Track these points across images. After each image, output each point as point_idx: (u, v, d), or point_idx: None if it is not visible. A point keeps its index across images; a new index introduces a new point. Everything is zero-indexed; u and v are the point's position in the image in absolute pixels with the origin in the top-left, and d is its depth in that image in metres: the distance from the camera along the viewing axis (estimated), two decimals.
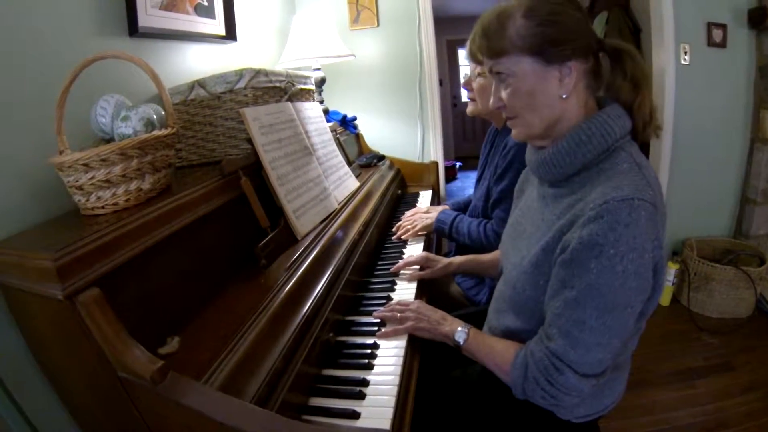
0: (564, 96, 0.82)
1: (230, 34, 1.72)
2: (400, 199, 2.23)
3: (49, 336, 0.82)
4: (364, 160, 2.16)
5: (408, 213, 1.84)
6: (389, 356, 1.04)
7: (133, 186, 0.91)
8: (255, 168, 1.23)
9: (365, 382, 0.95)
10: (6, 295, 0.88)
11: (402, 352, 1.04)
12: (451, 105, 7.40)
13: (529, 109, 0.84)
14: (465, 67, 7.61)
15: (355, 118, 2.24)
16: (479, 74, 1.47)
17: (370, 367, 1.00)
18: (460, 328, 1.02)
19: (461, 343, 1.00)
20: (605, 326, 0.75)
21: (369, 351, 1.05)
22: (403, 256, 1.56)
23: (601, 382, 0.82)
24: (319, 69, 2.06)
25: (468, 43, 0.90)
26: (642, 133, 0.86)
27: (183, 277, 0.93)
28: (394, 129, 2.58)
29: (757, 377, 2.03)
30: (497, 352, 0.93)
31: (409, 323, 1.09)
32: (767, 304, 2.46)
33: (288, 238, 1.25)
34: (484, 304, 1.53)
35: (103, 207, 0.89)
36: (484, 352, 0.96)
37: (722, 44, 2.51)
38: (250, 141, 1.27)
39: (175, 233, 0.91)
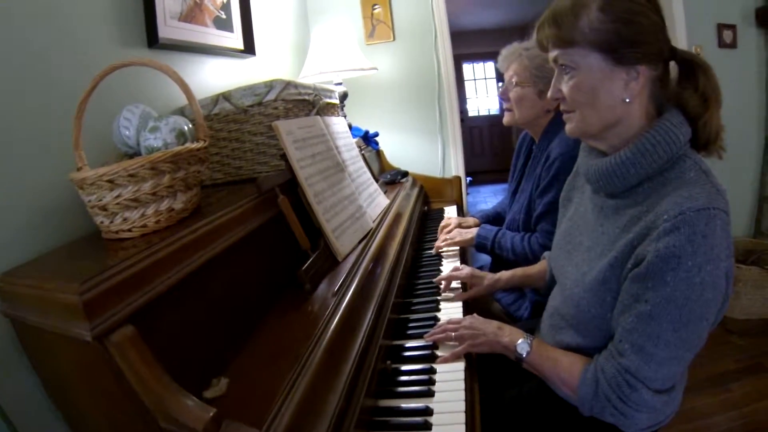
0: (627, 100, 0.78)
1: (248, 48, 1.64)
2: (426, 215, 2.11)
3: (74, 381, 0.68)
4: (388, 176, 2.05)
5: (443, 226, 1.75)
6: (448, 380, 0.94)
7: (164, 205, 0.78)
8: (289, 186, 1.11)
9: (429, 411, 0.85)
10: (19, 331, 0.76)
11: (461, 375, 0.94)
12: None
13: (589, 106, 0.80)
14: (470, 81, 7.60)
15: (377, 134, 2.14)
16: (517, 83, 1.40)
17: (431, 394, 0.90)
18: (521, 340, 0.93)
19: (524, 356, 0.92)
20: (681, 340, 0.72)
21: (427, 377, 0.95)
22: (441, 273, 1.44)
23: (672, 395, 0.79)
24: (341, 83, 1.96)
25: (535, 30, 0.85)
26: (703, 149, 0.81)
27: (222, 308, 0.81)
28: (414, 144, 2.48)
29: None
30: (563, 368, 0.87)
31: (466, 342, 1.00)
32: None
33: (328, 260, 1.13)
34: (525, 318, 1.43)
35: (130, 230, 0.77)
36: (549, 366, 0.89)
37: (733, 45, 2.47)
38: (281, 157, 1.15)
39: (212, 258, 0.78)
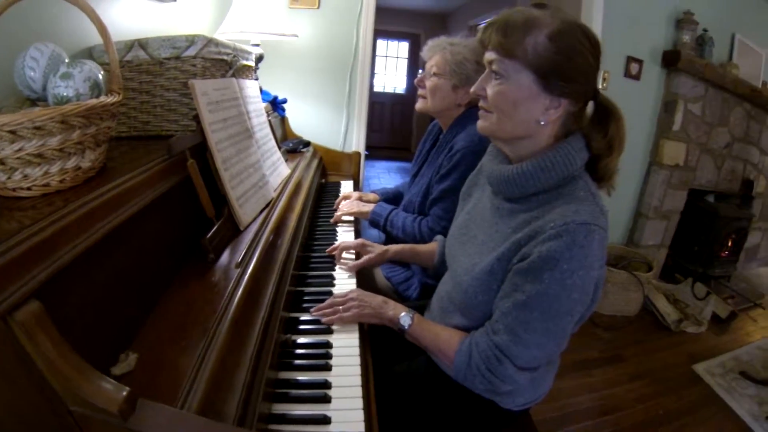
0: (542, 123, 0.82)
1: None
2: (323, 188, 2.10)
3: None
4: (290, 145, 1.99)
5: (343, 200, 1.76)
6: (344, 355, 0.97)
7: (70, 163, 0.69)
8: (198, 149, 1.04)
9: (328, 385, 0.87)
10: None
11: (357, 351, 0.98)
12: None
13: (506, 114, 0.83)
14: (381, 57, 7.49)
15: (285, 101, 2.05)
16: (435, 74, 1.43)
17: (328, 368, 0.92)
18: (404, 313, 1.00)
19: (406, 327, 0.98)
20: (546, 329, 0.80)
21: (324, 351, 0.97)
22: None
23: (534, 375, 0.88)
24: (258, 45, 1.83)
25: (481, 29, 0.86)
26: (597, 182, 0.87)
27: (126, 278, 0.74)
28: (318, 115, 2.42)
29: (643, 367, 2.30)
30: (442, 339, 0.94)
31: (354, 311, 1.03)
32: (651, 305, 2.78)
33: (231, 229, 1.09)
34: (414, 299, 1.50)
35: (29, 188, 0.66)
36: (429, 338, 0.96)
37: (637, 77, 2.72)
38: (193, 118, 1.07)
39: (119, 224, 0.71)
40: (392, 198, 1.84)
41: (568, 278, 0.75)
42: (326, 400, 0.83)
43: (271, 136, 1.60)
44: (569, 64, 0.77)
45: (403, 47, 7.56)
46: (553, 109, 0.81)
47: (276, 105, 1.97)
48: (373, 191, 1.90)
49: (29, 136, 0.63)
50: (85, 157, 0.72)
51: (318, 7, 2.24)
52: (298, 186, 1.63)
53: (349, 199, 1.74)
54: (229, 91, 1.22)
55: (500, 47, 0.80)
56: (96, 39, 1.07)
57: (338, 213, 1.66)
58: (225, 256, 0.99)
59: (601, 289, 0.85)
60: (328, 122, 2.44)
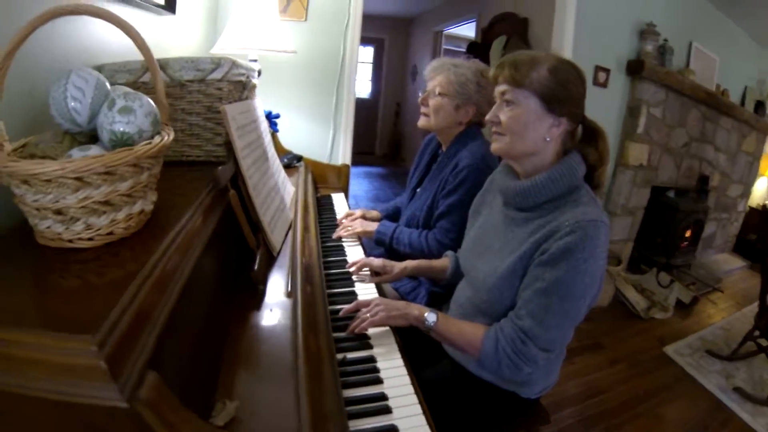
0: (548, 139, 0.95)
1: (170, 4, 1.33)
2: (318, 202, 2.03)
3: None
4: (285, 160, 1.92)
5: (348, 214, 1.73)
6: (391, 367, 0.95)
7: (136, 207, 0.62)
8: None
9: (385, 396, 0.86)
10: None
11: (400, 362, 0.96)
12: None
13: (518, 135, 0.96)
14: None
15: (278, 116, 1.96)
16: (439, 93, 1.43)
17: (380, 381, 0.90)
18: (428, 312, 1.04)
19: (432, 324, 1.02)
20: (564, 310, 0.89)
21: (371, 365, 0.94)
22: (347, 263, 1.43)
23: (549, 357, 0.94)
24: (256, 60, 1.74)
25: (494, 68, 0.99)
26: (593, 190, 1.01)
27: (198, 323, 0.69)
28: (305, 127, 2.35)
29: (619, 353, 2.44)
30: (468, 332, 1.00)
31: (381, 314, 1.04)
32: (622, 295, 2.93)
33: (267, 256, 1.03)
34: None
35: (91, 239, 0.59)
36: (455, 332, 1.02)
37: (604, 84, 2.86)
38: (224, 144, 1.00)
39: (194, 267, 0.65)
40: (393, 213, 1.83)
41: (581, 264, 0.87)
42: (388, 410, 0.82)
43: (275, 155, 1.53)
44: (565, 91, 0.93)
45: (368, 52, 7.29)
46: (555, 127, 0.95)
47: (270, 121, 1.89)
48: (373, 208, 1.87)
49: (98, 183, 0.55)
50: (147, 199, 0.65)
51: (305, 20, 2.17)
52: (306, 204, 1.57)
53: (353, 216, 1.70)
54: (249, 114, 1.16)
55: (512, 79, 0.94)
56: (103, 58, 0.98)
57: (344, 232, 1.63)
58: (271, 286, 0.95)
59: (603, 280, 0.96)
60: (315, 134, 2.37)
